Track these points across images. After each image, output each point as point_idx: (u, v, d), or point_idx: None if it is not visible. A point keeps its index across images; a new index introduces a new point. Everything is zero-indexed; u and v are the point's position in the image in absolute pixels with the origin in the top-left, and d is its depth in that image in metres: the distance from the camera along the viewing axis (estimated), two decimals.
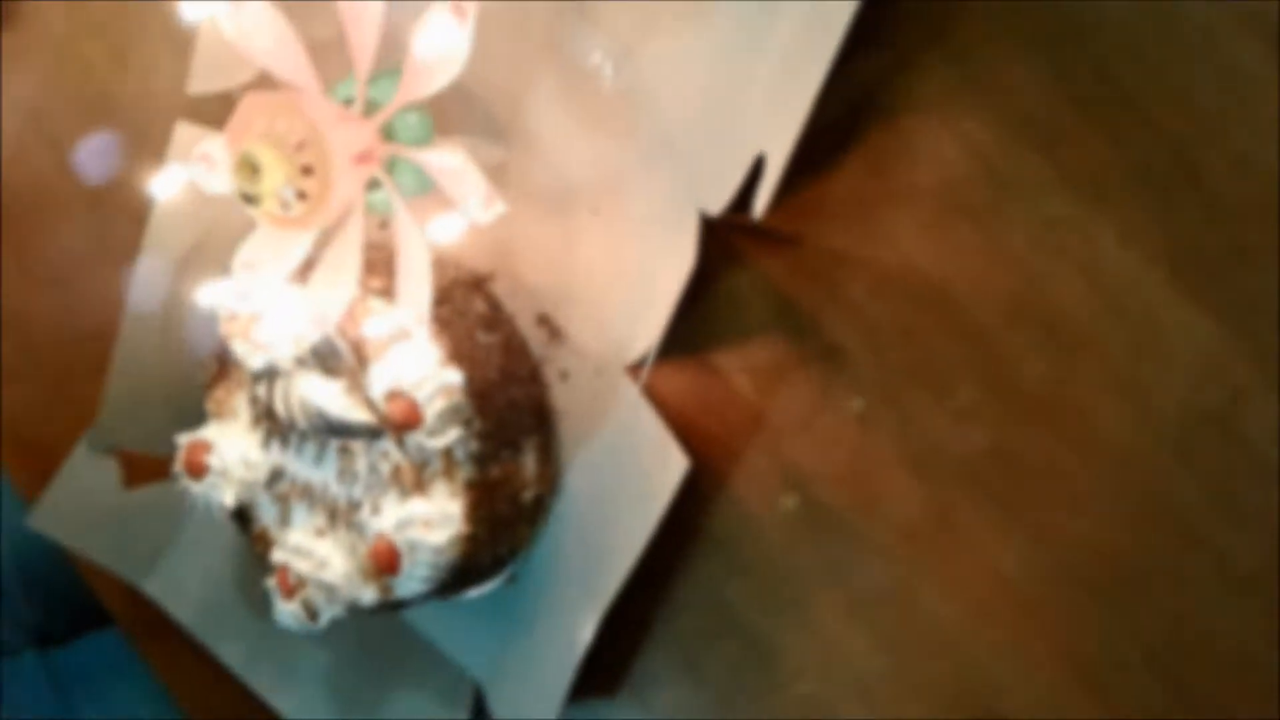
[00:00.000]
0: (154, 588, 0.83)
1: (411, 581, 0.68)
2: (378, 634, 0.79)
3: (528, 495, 0.70)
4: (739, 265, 0.66)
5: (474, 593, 0.74)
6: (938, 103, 0.60)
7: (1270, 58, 0.54)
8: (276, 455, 0.71)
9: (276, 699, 0.82)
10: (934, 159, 0.61)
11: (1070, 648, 0.62)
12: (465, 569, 0.70)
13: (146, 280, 0.78)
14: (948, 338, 0.62)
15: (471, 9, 0.59)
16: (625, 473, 0.68)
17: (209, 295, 0.67)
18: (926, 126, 0.61)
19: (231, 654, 0.82)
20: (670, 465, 0.66)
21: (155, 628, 0.86)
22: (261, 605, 0.74)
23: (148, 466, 0.82)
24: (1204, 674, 0.60)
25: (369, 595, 0.69)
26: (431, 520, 0.67)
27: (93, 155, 0.83)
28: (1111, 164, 0.58)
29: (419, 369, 0.64)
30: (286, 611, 0.70)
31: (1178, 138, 0.56)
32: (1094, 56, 0.57)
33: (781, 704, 0.69)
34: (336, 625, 0.76)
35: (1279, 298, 0.56)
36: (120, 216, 0.81)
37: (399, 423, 0.64)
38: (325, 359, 0.67)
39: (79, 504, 0.83)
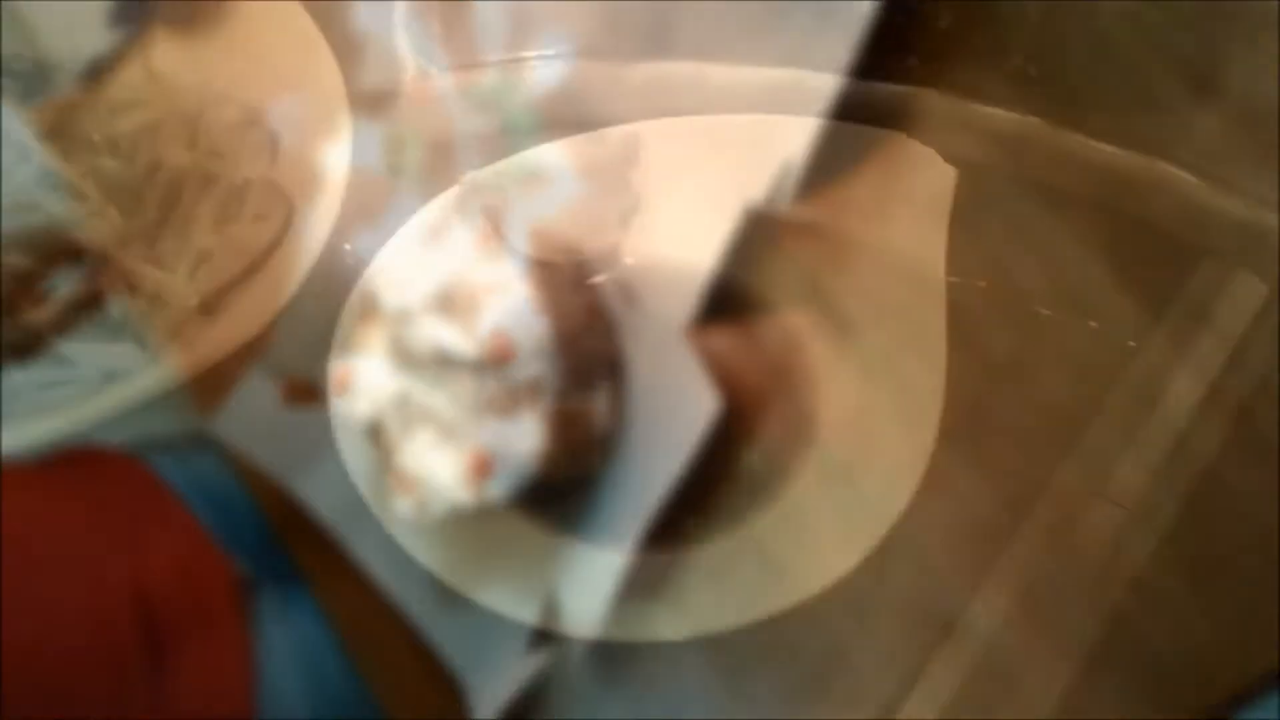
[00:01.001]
0: (303, 488, 0.95)
1: (500, 487, 0.83)
2: (473, 545, 0.91)
3: (598, 429, 0.84)
4: (777, 249, 0.79)
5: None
6: (935, 126, 0.74)
7: (1190, 97, 0.67)
8: (404, 381, 0.87)
9: (393, 588, 0.93)
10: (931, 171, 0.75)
11: (1020, 576, 0.73)
12: (543, 485, 0.85)
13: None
14: (935, 313, 0.75)
15: None
16: (672, 413, 0.82)
17: (360, 246, 0.84)
18: (926, 144, 0.74)
19: (362, 549, 0.93)
20: (703, 404, 0.79)
21: (310, 544, 0.95)
22: (385, 509, 0.86)
23: (304, 391, 0.95)
24: (1130, 607, 0.70)
25: (466, 498, 0.84)
26: (519, 436, 0.82)
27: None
28: (1069, 179, 0.71)
29: (515, 314, 0.80)
30: (402, 505, 0.85)
31: (1118, 162, 0.70)
32: (1060, 93, 0.71)
33: (789, 614, 0.80)
34: (439, 535, 0.90)
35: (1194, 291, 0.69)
36: None
37: (497, 355, 0.80)
38: (446, 303, 0.84)
39: (248, 418, 0.96)
